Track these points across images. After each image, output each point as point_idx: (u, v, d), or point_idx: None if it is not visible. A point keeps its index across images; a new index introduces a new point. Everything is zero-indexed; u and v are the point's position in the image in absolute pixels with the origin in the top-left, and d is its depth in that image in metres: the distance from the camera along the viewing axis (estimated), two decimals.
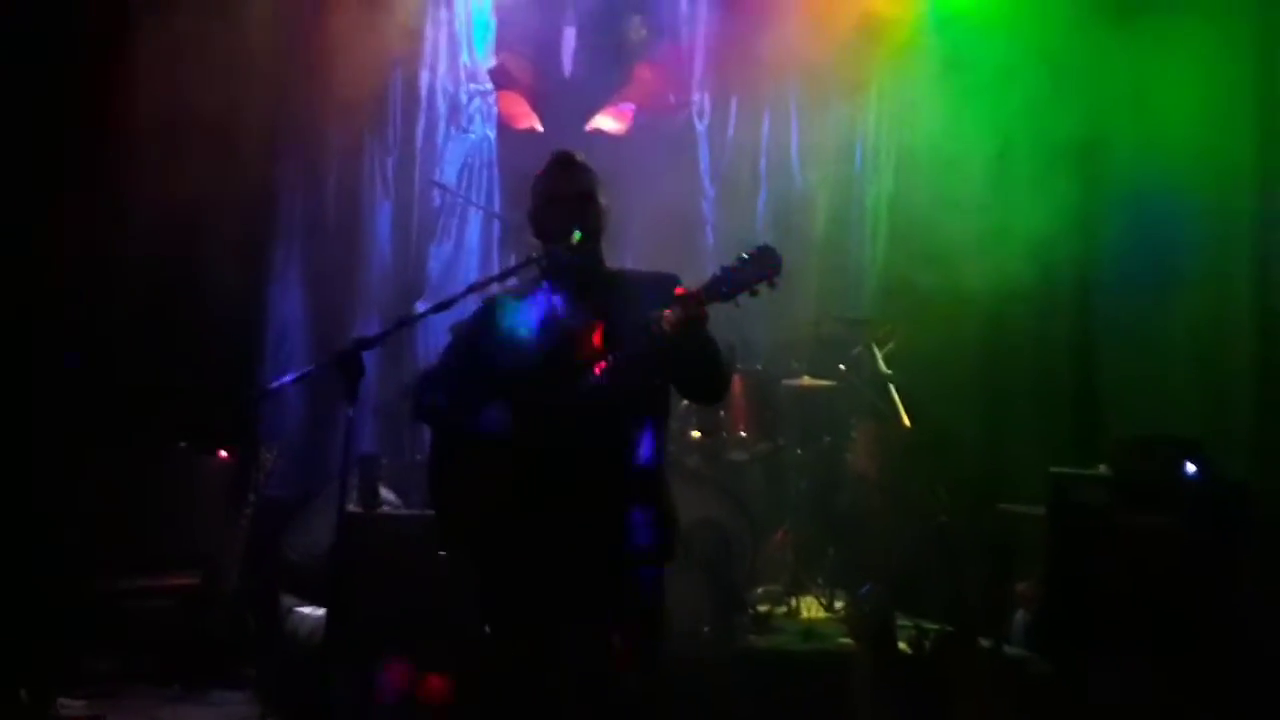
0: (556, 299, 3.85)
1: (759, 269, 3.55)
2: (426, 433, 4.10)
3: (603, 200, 3.88)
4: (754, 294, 3.57)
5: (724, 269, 3.57)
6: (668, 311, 3.53)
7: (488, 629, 3.82)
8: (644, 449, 3.77)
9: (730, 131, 8.35)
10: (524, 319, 3.83)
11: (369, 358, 3.61)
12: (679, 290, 3.58)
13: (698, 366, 3.73)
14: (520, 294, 3.92)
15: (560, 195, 3.84)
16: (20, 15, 6.47)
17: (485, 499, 3.73)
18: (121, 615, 6.25)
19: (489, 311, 3.89)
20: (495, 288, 4.04)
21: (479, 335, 3.90)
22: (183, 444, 6.82)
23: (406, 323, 3.97)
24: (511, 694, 3.74)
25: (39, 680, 5.56)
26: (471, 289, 3.88)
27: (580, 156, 3.95)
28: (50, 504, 6.26)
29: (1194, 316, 6.65)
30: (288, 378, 3.80)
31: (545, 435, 3.66)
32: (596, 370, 3.63)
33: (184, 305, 7.21)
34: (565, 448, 3.65)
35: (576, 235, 3.76)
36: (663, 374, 3.73)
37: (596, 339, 3.72)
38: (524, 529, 3.66)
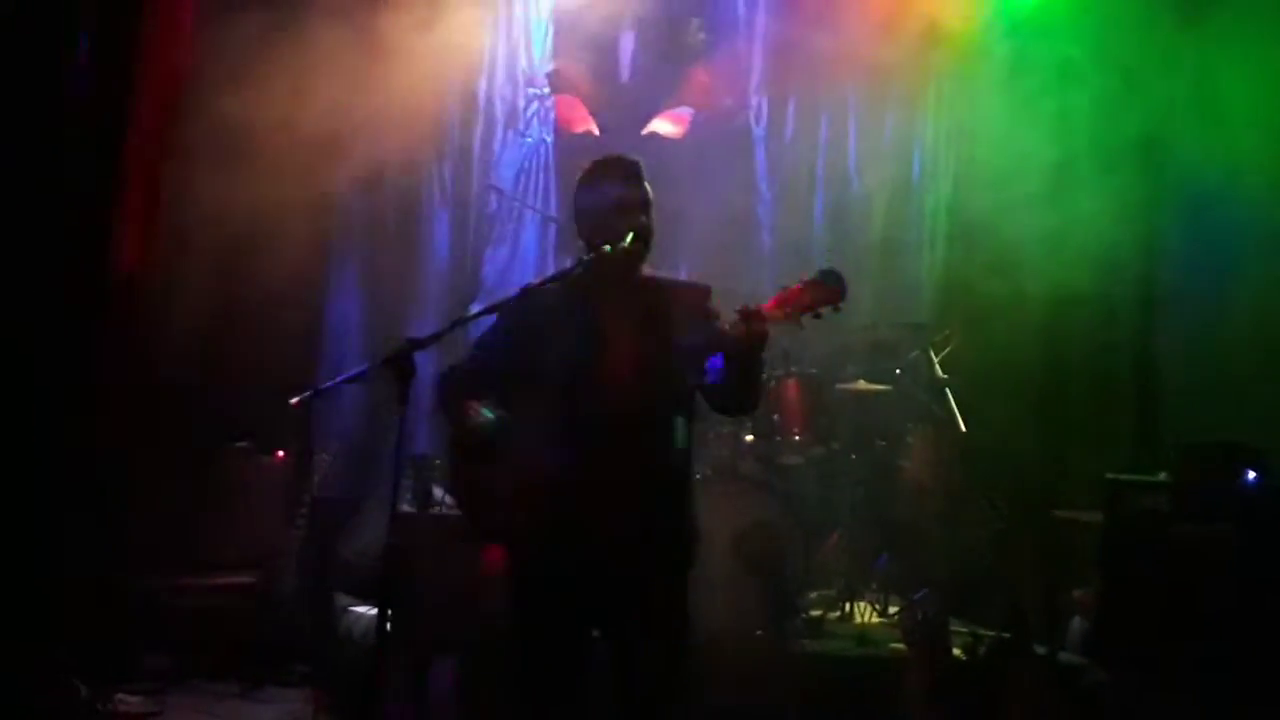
0: (595, 302, 3.85)
1: (824, 292, 3.55)
2: None
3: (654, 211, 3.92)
4: (817, 316, 3.57)
5: (787, 289, 3.57)
6: (730, 322, 3.55)
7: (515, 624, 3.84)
8: (675, 454, 3.79)
9: (787, 135, 8.34)
10: (562, 319, 3.83)
11: (423, 359, 3.62)
12: (744, 307, 3.56)
13: (740, 380, 3.73)
14: (559, 294, 3.91)
15: (629, 203, 3.85)
16: (84, 19, 6.56)
17: (512, 496, 3.75)
18: (179, 613, 6.33)
19: (525, 308, 3.88)
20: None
21: (513, 331, 3.91)
22: (241, 445, 6.90)
23: (458, 324, 3.98)
24: (536, 691, 3.76)
25: (98, 675, 5.64)
26: (524, 291, 3.91)
27: (641, 164, 3.97)
28: (111, 502, 6.33)
29: (1257, 322, 6.57)
30: (339, 378, 3.83)
31: (576, 436, 3.67)
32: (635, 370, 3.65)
33: (244, 307, 7.28)
34: (595, 450, 3.65)
35: (629, 238, 3.77)
36: (699, 380, 3.73)
37: (633, 344, 3.75)
38: (550, 529, 3.68)
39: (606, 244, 3.77)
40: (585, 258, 3.86)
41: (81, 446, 6.26)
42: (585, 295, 3.86)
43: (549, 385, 3.74)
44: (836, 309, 3.57)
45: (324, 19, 7.45)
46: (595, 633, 3.81)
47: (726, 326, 3.56)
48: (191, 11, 7.10)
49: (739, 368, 3.65)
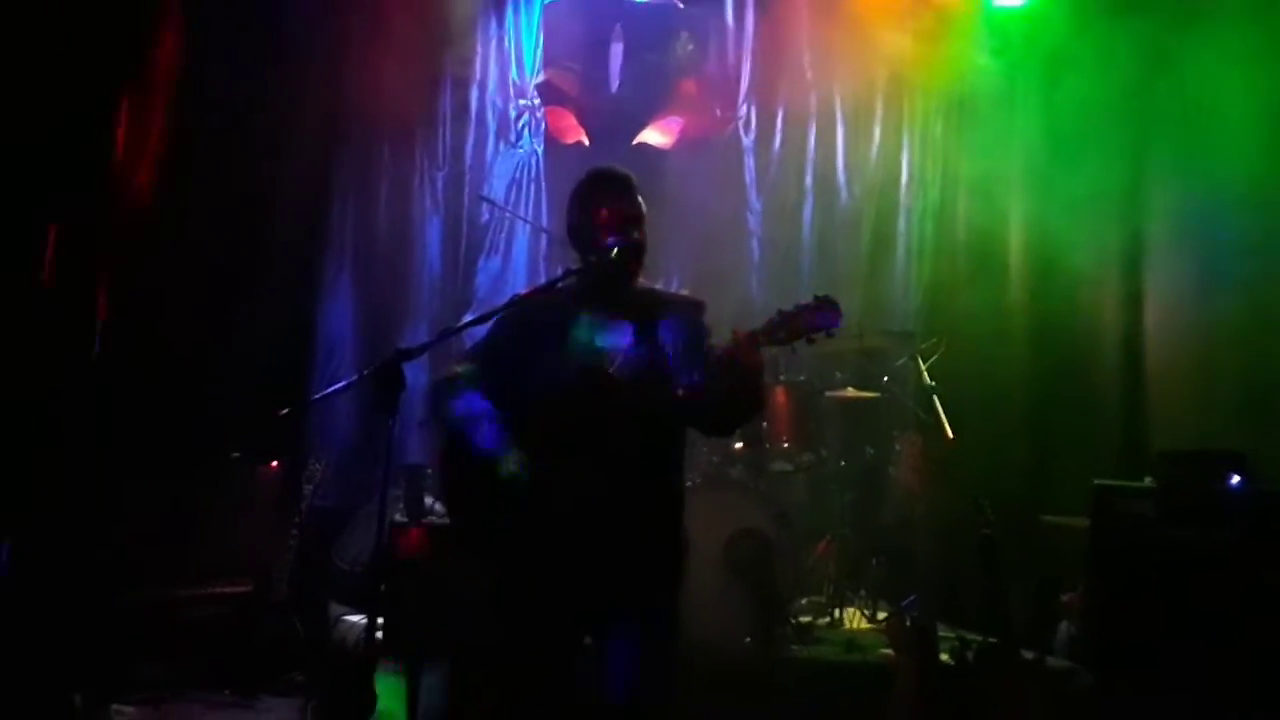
0: (589, 312, 3.88)
1: (819, 319, 3.56)
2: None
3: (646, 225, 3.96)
4: (811, 342, 3.58)
5: (782, 314, 3.57)
6: (724, 346, 3.59)
7: (501, 634, 3.86)
8: (666, 463, 3.84)
9: (776, 145, 8.36)
10: (552, 329, 3.85)
11: (413, 369, 3.66)
12: (737, 331, 3.59)
13: (732, 403, 3.75)
14: (549, 304, 3.95)
15: (622, 217, 3.88)
16: (68, 39, 6.60)
17: (505, 507, 3.76)
18: (174, 622, 6.35)
19: (514, 319, 3.92)
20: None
21: (503, 342, 3.93)
22: (235, 455, 6.93)
23: (447, 334, 4.02)
24: (527, 699, 3.77)
25: (93, 686, 5.67)
26: (512, 302, 3.95)
27: (634, 179, 4.01)
28: (106, 512, 6.36)
29: (1240, 329, 6.62)
30: (328, 390, 3.87)
31: (568, 446, 3.70)
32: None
33: (237, 318, 7.32)
34: (588, 459, 3.69)
35: (616, 250, 3.81)
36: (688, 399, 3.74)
37: (623, 354, 3.78)
38: (544, 539, 3.70)
39: (596, 255, 3.82)
40: (579, 268, 3.91)
41: (74, 458, 6.30)
42: (576, 306, 3.90)
43: (541, 395, 3.78)
44: (830, 335, 3.59)
45: (313, 29, 7.51)
46: (586, 639, 3.84)
47: (721, 349, 3.59)
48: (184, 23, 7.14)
49: (731, 391, 3.68)
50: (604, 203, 3.91)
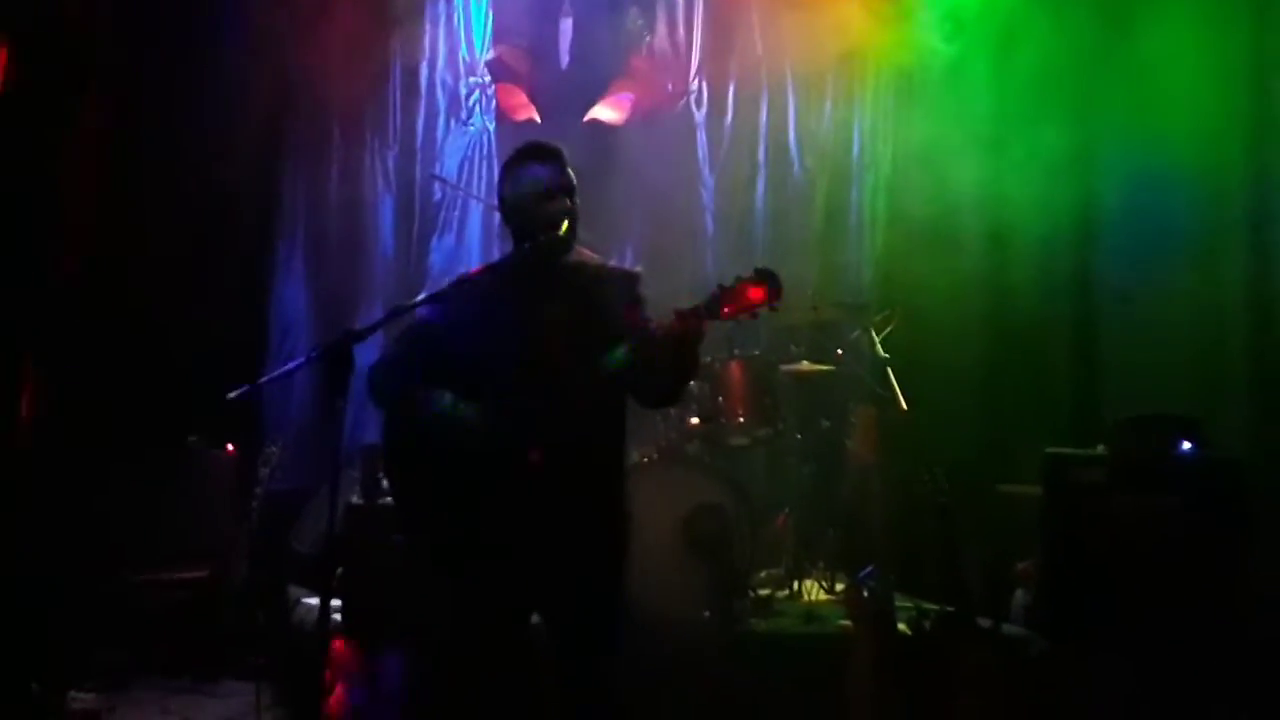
0: (524, 289, 3.88)
1: (758, 293, 3.58)
2: None
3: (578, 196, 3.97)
4: (754, 316, 3.61)
5: (723, 289, 3.59)
6: (666, 322, 3.60)
7: (451, 615, 3.89)
8: (608, 438, 3.85)
9: (728, 119, 8.34)
10: (495, 308, 3.85)
11: (367, 350, 3.65)
12: (679, 310, 3.61)
13: (671, 379, 3.80)
14: (492, 283, 3.93)
15: (552, 189, 3.90)
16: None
17: (449, 488, 3.79)
18: (131, 608, 6.33)
19: (458, 299, 3.91)
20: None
21: (443, 321, 3.92)
22: (191, 439, 6.90)
23: (396, 313, 4.01)
24: (476, 682, 3.80)
25: (50, 673, 5.64)
26: (458, 282, 3.94)
27: (563, 150, 4.01)
28: (61, 499, 6.33)
29: (1190, 297, 6.67)
30: (276, 372, 3.87)
31: (513, 426, 3.70)
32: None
33: (191, 302, 7.28)
34: (529, 437, 3.69)
35: (565, 226, 3.82)
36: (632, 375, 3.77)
37: (566, 331, 3.78)
38: (488, 519, 3.72)
39: (541, 234, 3.81)
40: (522, 246, 3.90)
41: (30, 444, 6.26)
42: (517, 284, 3.88)
43: (483, 374, 3.78)
44: (773, 308, 3.61)
45: (259, 9, 7.46)
46: (535, 617, 3.87)
47: (663, 325, 3.61)
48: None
49: (671, 365, 3.71)
50: (534, 177, 3.93)
